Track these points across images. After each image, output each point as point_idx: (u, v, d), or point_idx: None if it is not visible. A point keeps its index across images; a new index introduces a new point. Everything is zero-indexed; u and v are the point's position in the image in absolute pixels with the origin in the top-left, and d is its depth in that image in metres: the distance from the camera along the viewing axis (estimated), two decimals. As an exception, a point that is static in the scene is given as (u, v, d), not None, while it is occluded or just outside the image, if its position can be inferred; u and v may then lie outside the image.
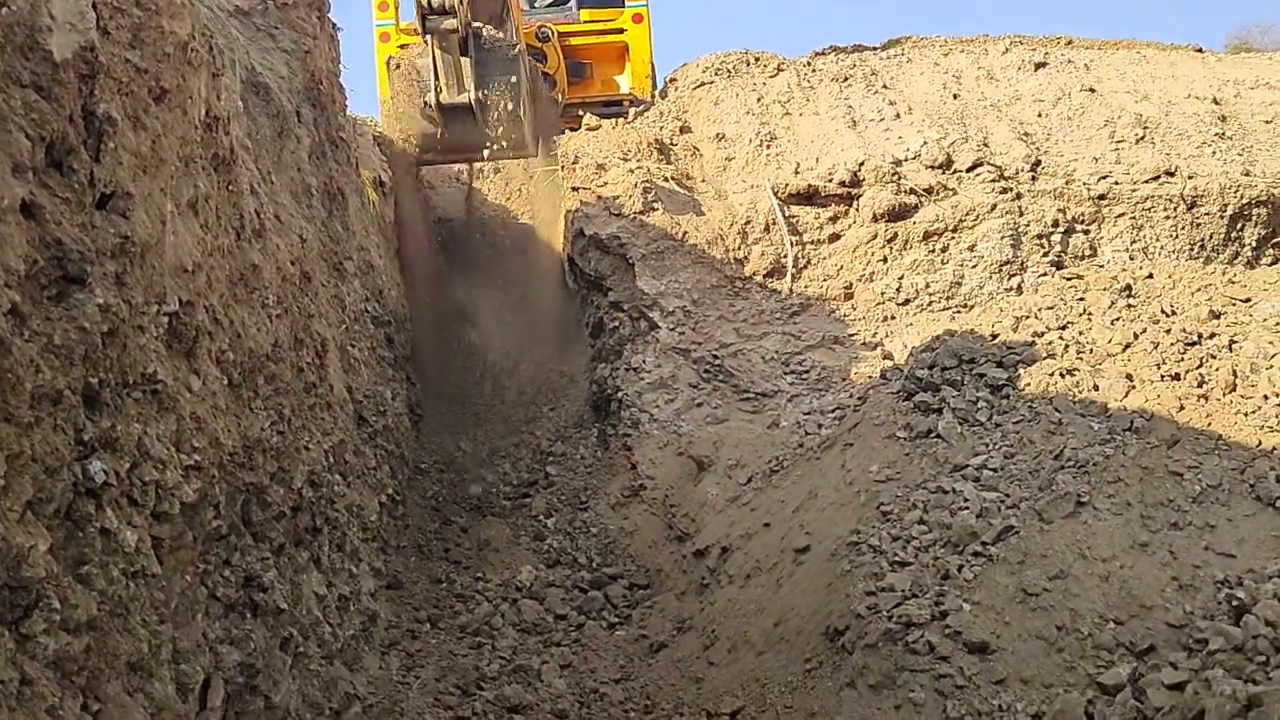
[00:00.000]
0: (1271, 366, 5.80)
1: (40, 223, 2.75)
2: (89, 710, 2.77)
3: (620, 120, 12.30)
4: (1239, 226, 10.89)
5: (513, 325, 10.75)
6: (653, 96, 13.30)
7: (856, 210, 10.53)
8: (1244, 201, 10.83)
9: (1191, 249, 10.74)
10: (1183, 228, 10.78)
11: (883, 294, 10.33)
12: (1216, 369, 5.88)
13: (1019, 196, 10.68)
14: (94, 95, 3.06)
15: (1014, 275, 10.45)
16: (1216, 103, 12.08)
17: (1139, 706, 4.12)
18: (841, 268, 10.40)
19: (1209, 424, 5.55)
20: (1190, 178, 10.85)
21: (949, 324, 8.79)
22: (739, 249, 10.36)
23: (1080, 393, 6.00)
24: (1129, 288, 6.88)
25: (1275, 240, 11.01)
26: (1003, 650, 4.75)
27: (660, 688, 5.99)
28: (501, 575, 7.56)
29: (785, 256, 10.35)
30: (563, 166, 11.43)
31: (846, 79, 12.37)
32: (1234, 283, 6.89)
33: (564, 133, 12.08)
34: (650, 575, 7.59)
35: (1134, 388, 5.92)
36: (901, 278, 10.35)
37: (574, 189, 10.97)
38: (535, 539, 8.18)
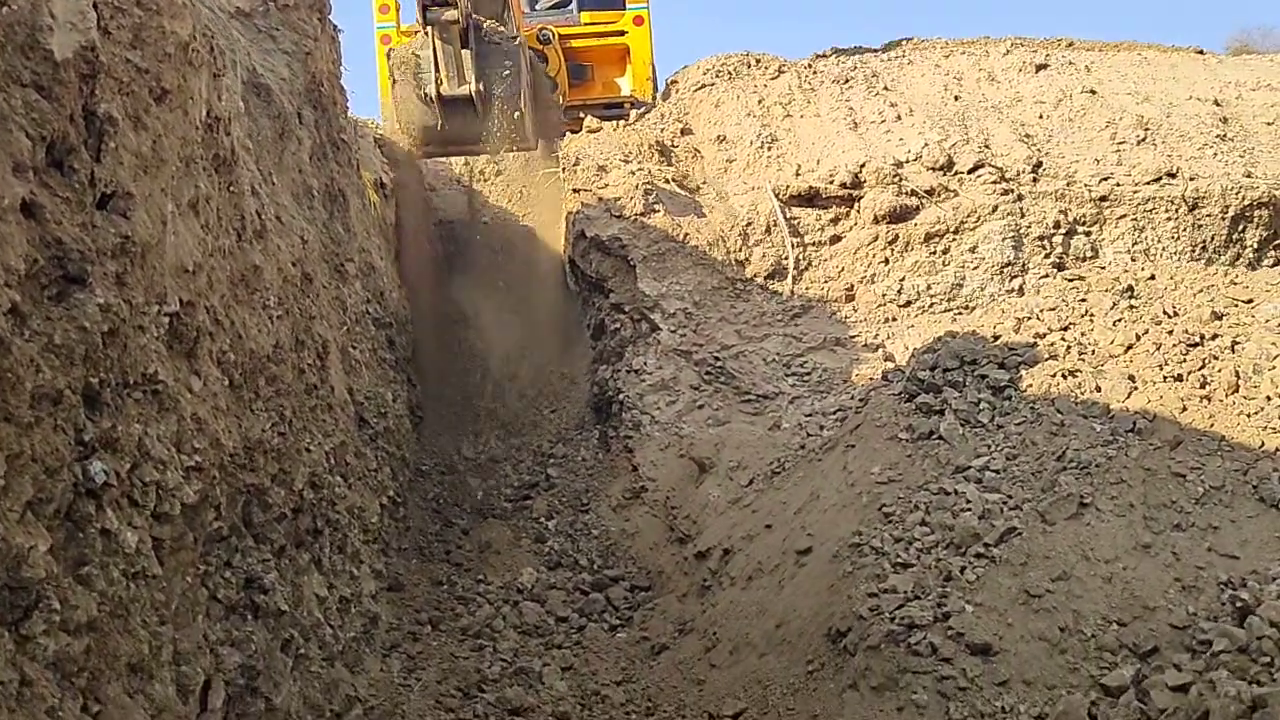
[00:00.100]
0: (1274, 368, 5.79)
1: (41, 222, 2.75)
2: (89, 711, 2.76)
3: (621, 122, 12.30)
4: (1240, 228, 10.88)
5: (514, 327, 10.74)
6: (654, 99, 13.29)
7: (858, 212, 10.53)
8: (1245, 203, 10.82)
9: (1193, 250, 10.73)
10: (1184, 229, 10.77)
11: (884, 296, 10.32)
12: (1219, 370, 5.87)
13: (1020, 198, 10.67)
14: (95, 95, 3.05)
15: (1015, 277, 10.44)
16: (1218, 104, 12.08)
17: (1142, 708, 4.11)
18: (843, 269, 10.40)
19: (1212, 425, 5.54)
20: (1192, 179, 10.84)
21: (950, 325, 8.79)
22: (740, 251, 10.36)
23: (1082, 394, 5.99)
24: (1131, 289, 6.87)
25: (1277, 242, 11.00)
26: (1005, 652, 4.74)
27: (662, 690, 5.98)
28: (503, 577, 7.55)
29: (786, 258, 10.34)
30: (564, 168, 11.43)
31: (847, 81, 12.37)
32: (1236, 284, 6.88)
33: (565, 135, 12.08)
34: (652, 577, 7.58)
35: (1136, 389, 5.91)
36: (903, 279, 10.35)
37: (575, 191, 10.97)
38: (536, 541, 8.17)
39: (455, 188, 12.83)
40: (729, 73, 12.64)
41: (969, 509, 5.52)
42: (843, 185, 10.53)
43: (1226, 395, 5.71)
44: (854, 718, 4.88)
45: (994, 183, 10.67)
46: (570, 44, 13.25)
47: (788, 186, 10.61)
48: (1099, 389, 5.99)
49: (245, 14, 6.69)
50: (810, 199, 10.59)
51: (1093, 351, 6.36)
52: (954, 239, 10.45)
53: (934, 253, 10.42)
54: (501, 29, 9.71)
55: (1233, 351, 6.02)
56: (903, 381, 6.95)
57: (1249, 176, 10.94)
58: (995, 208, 10.53)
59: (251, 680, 3.98)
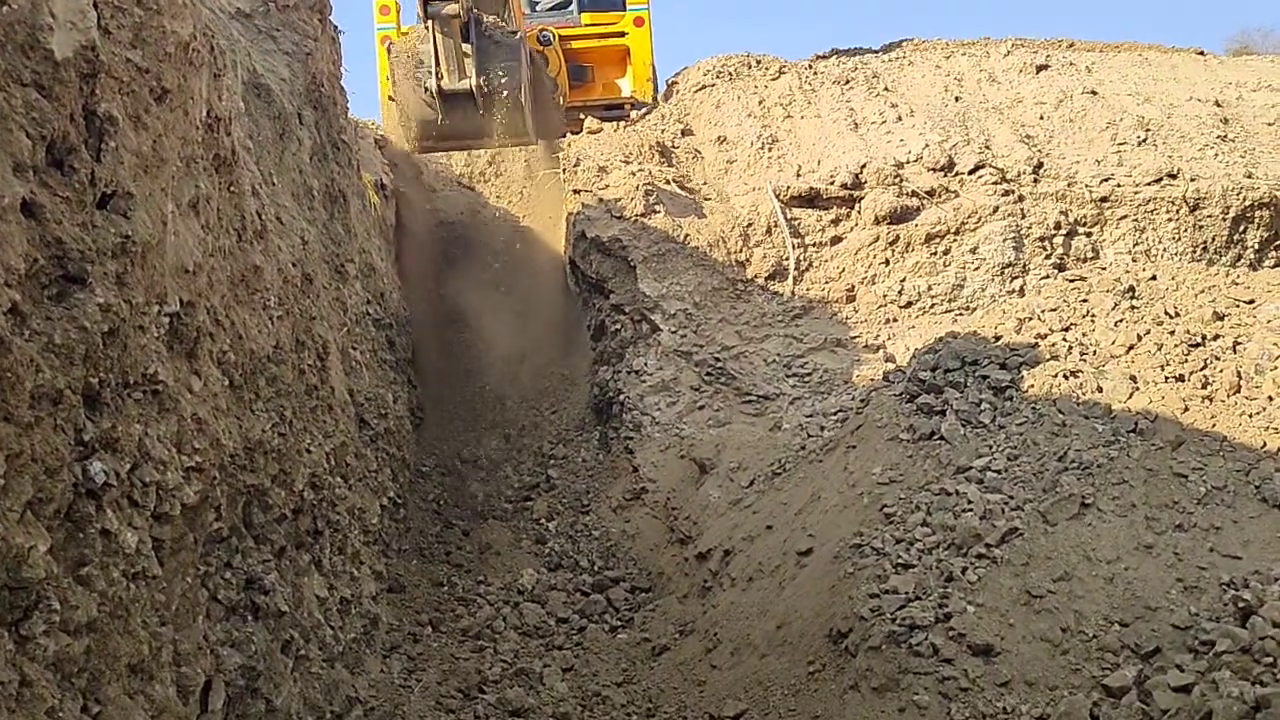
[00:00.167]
0: (1276, 368, 5.79)
1: (41, 222, 2.74)
2: (89, 712, 2.75)
3: (622, 123, 12.29)
4: (1241, 229, 10.88)
5: (514, 328, 10.73)
6: (654, 100, 13.29)
7: (858, 213, 10.52)
8: (1246, 204, 10.82)
9: (1194, 251, 10.73)
10: (1185, 230, 10.76)
11: (885, 296, 10.31)
12: (1221, 370, 5.86)
13: (1021, 199, 10.67)
14: (95, 94, 3.04)
15: (1016, 278, 10.44)
16: (1219, 105, 12.08)
17: (1144, 709, 4.10)
18: (843, 270, 10.39)
19: (1213, 425, 5.54)
20: (1192, 180, 10.84)
21: (951, 326, 8.79)
22: (741, 251, 10.35)
23: (1084, 394, 5.98)
24: (1132, 289, 6.86)
25: (1278, 242, 11.00)
26: (1007, 652, 4.73)
27: (662, 691, 5.97)
28: (503, 579, 7.54)
29: (787, 259, 10.34)
30: (564, 169, 11.42)
31: (848, 82, 12.37)
32: (1237, 284, 6.87)
33: (566, 136, 12.07)
34: (652, 578, 7.57)
35: (1138, 389, 5.90)
36: (903, 280, 10.34)
37: (575, 191, 10.97)
38: (537, 542, 8.17)
39: (456, 189, 12.83)
40: (729, 74, 12.64)
41: (970, 509, 5.51)
42: (843, 186, 10.53)
43: (1228, 396, 5.71)
44: (855, 719, 4.87)
45: (995, 183, 10.66)
46: (570, 45, 13.25)
47: (788, 187, 10.61)
48: (1100, 389, 5.99)
49: (246, 14, 6.69)
50: (811, 200, 10.58)
51: (1094, 352, 6.36)
52: (955, 240, 10.45)
53: (935, 253, 10.41)
54: (502, 24, 9.70)
55: (1234, 352, 6.02)
56: (904, 382, 6.94)
57: (1250, 177, 10.93)
58: (996, 208, 10.53)
59: (252, 681, 3.98)
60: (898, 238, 10.40)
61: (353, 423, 6.80)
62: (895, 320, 10.22)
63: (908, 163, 10.77)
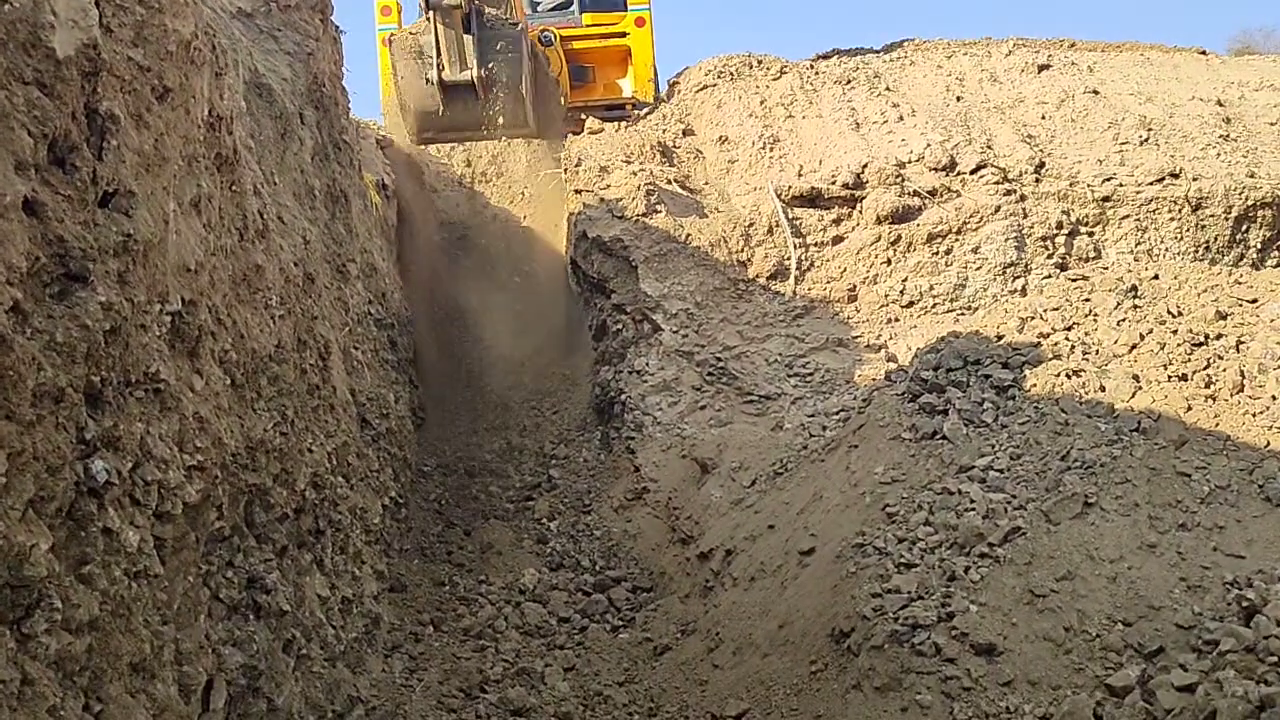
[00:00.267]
0: (1279, 367, 5.77)
1: (42, 220, 2.73)
2: (91, 711, 2.75)
3: (623, 123, 12.29)
4: (1244, 228, 10.87)
5: (515, 328, 10.73)
6: (655, 100, 13.29)
7: (860, 212, 10.52)
8: (1249, 203, 10.81)
9: (1196, 251, 10.72)
10: (1187, 230, 10.75)
11: (886, 296, 10.31)
12: (1224, 370, 5.85)
13: (1023, 199, 10.66)
14: (96, 93, 3.04)
15: (1018, 277, 10.42)
16: (1221, 105, 12.07)
17: (1148, 708, 4.08)
18: (845, 270, 10.38)
19: (1217, 424, 5.53)
20: (1195, 180, 10.83)
21: (953, 326, 8.77)
22: (742, 251, 10.35)
23: (1087, 393, 5.97)
24: (1135, 289, 6.85)
25: (1280, 242, 10.99)
26: (1010, 652, 4.72)
27: (664, 690, 5.97)
28: (504, 578, 7.53)
29: (788, 259, 10.33)
30: (566, 169, 11.42)
31: (849, 81, 12.37)
32: (1240, 284, 6.85)
33: (567, 135, 12.07)
34: (654, 578, 7.57)
35: (1141, 388, 5.89)
36: (905, 280, 10.33)
37: (577, 191, 10.97)
38: (538, 542, 8.16)
39: (457, 189, 12.82)
40: (731, 73, 12.64)
41: (973, 509, 5.50)
42: (845, 186, 10.52)
43: (1231, 395, 5.70)
44: (857, 718, 4.86)
45: (996, 183, 10.65)
46: (572, 45, 13.25)
47: (790, 187, 10.60)
48: (1103, 388, 5.98)
49: (247, 14, 6.69)
50: (812, 199, 10.58)
51: (1097, 351, 6.35)
52: (956, 239, 10.44)
53: (936, 253, 10.40)
54: (503, 16, 9.71)
55: (1237, 351, 6.01)
56: (906, 381, 6.93)
57: (1252, 177, 10.92)
58: (998, 208, 10.52)
59: (253, 680, 3.97)
60: (899, 237, 10.39)
61: (354, 422, 6.80)
62: (897, 320, 10.21)
63: (909, 162, 10.76)
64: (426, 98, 9.51)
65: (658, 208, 10.41)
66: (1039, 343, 6.56)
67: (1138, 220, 10.73)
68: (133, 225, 3.15)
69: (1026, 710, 4.46)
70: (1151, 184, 10.79)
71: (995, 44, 13.59)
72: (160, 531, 3.29)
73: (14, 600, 2.46)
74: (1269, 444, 5.35)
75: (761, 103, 11.97)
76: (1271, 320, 6.21)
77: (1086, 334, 6.54)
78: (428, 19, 9.27)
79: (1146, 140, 11.27)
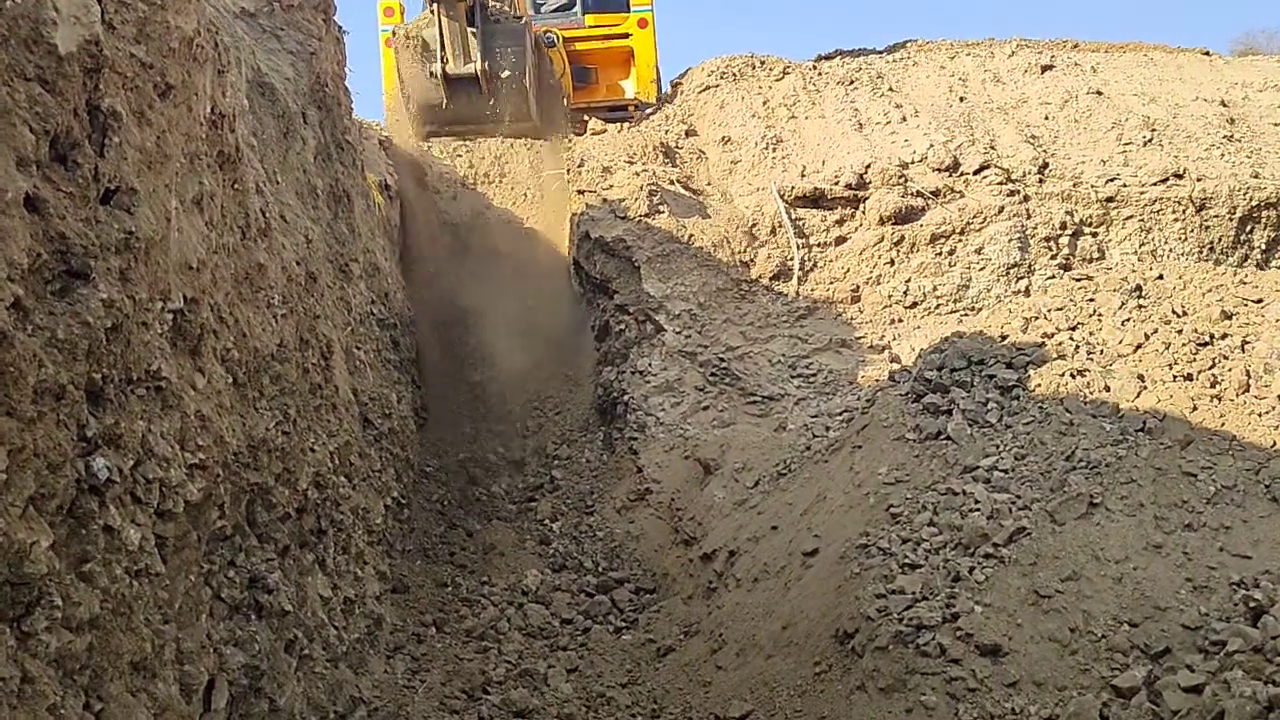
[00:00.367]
0: (1285, 367, 5.75)
1: (44, 216, 2.72)
2: (91, 710, 2.73)
3: (626, 124, 12.28)
4: (1248, 229, 10.84)
5: (518, 329, 10.70)
6: (658, 101, 13.27)
7: (863, 213, 10.50)
8: (1253, 204, 10.78)
9: (1200, 251, 10.69)
10: (1191, 230, 10.73)
11: (889, 297, 10.28)
12: (1229, 369, 5.83)
13: (1026, 199, 10.64)
14: (98, 89, 3.02)
15: (1021, 278, 10.40)
16: (1225, 105, 12.05)
17: (1154, 709, 4.06)
18: (848, 270, 10.36)
19: (1222, 424, 5.50)
20: (1199, 180, 10.80)
21: (956, 327, 8.74)
22: (745, 252, 10.33)
23: (1091, 393, 5.95)
24: (1139, 288, 6.83)
25: (1284, 242, 10.96)
26: (1015, 653, 4.70)
27: (667, 692, 5.94)
28: (507, 580, 7.52)
29: (792, 259, 10.31)
30: (568, 170, 11.41)
31: (852, 82, 12.35)
32: (1245, 283, 6.84)
33: (570, 135, 12.05)
34: (657, 579, 7.54)
35: (1146, 388, 5.87)
36: (908, 280, 10.31)
37: (580, 192, 10.95)
38: (541, 543, 8.14)
39: (460, 189, 12.80)
40: (734, 74, 12.62)
41: (977, 509, 5.48)
42: (848, 186, 10.50)
43: (1237, 394, 5.68)
44: (862, 719, 4.84)
45: (1000, 184, 10.63)
46: (574, 47, 13.23)
47: (793, 187, 10.59)
48: (1108, 388, 5.96)
49: (250, 14, 6.68)
50: (815, 200, 10.56)
51: (1101, 351, 6.33)
52: (960, 240, 10.41)
53: (940, 254, 10.38)
54: (507, 10, 9.70)
55: (1243, 351, 5.99)
56: (910, 382, 6.91)
57: (1256, 177, 10.90)
58: (1001, 209, 10.50)
59: (255, 680, 3.95)
60: (902, 238, 10.37)
61: (357, 422, 6.78)
62: (900, 321, 10.19)
63: (912, 163, 10.75)
64: (430, 91, 9.50)
65: (660, 208, 10.39)
66: (1043, 343, 6.54)
67: (1141, 221, 10.70)
68: (134, 222, 3.13)
69: (1032, 711, 4.44)
70: (1155, 184, 10.77)
71: (998, 44, 13.57)
72: (161, 530, 3.28)
73: (14, 598, 2.45)
74: (1275, 444, 5.33)
75: (764, 103, 11.95)
76: (1277, 320, 6.19)
77: (1091, 334, 6.52)
78: (431, 12, 9.26)
79: (1150, 141, 11.24)
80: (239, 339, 4.25)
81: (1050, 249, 10.52)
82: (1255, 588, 4.49)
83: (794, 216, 10.48)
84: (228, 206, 4.29)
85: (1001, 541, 5.21)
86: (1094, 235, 10.68)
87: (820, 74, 12.64)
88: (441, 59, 9.24)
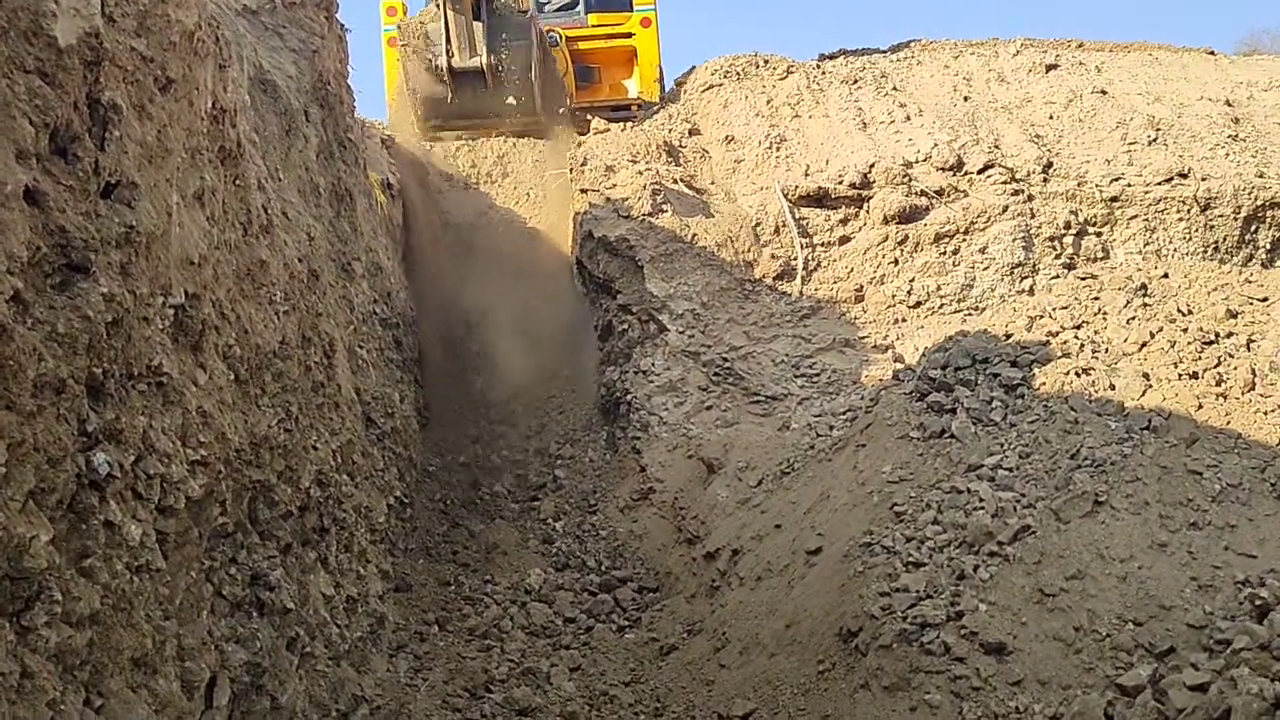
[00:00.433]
0: (1291, 365, 5.72)
1: (44, 210, 2.71)
2: (91, 705, 2.72)
3: (629, 123, 12.26)
4: (1253, 228, 10.81)
5: (521, 328, 10.69)
6: (661, 100, 13.26)
7: (867, 212, 10.48)
8: (1258, 203, 10.76)
9: (1205, 251, 10.66)
10: (1196, 230, 10.70)
11: (893, 296, 10.26)
12: (1235, 368, 5.80)
13: (1030, 198, 10.62)
14: (99, 83, 3.01)
15: (1026, 277, 10.38)
16: (1229, 105, 12.01)
17: (1159, 708, 4.03)
18: (852, 270, 10.34)
19: (1228, 423, 5.48)
20: (1203, 180, 10.78)
21: (960, 326, 8.71)
22: (749, 251, 10.31)
23: (1096, 391, 5.93)
24: (1144, 287, 6.80)
25: (1290, 242, 10.92)
26: (1019, 651, 4.68)
27: (671, 690, 5.93)
28: (510, 578, 7.50)
29: (795, 259, 10.30)
30: (571, 169, 11.39)
31: (856, 81, 12.33)
32: (1251, 282, 6.81)
33: (573, 122, 12.03)
34: (660, 578, 7.53)
35: (1151, 386, 5.84)
36: (912, 280, 10.29)
37: (582, 191, 10.93)
38: (544, 542, 8.13)
39: (462, 189, 12.78)
40: (737, 73, 12.61)
41: (982, 507, 5.46)
42: (852, 185, 10.48)
43: (1243, 393, 5.65)
44: (866, 718, 4.82)
45: (1004, 183, 10.61)
46: (577, 46, 13.23)
47: (796, 187, 10.57)
48: (1113, 387, 5.93)
49: (252, 11, 6.67)
50: (819, 199, 10.54)
51: (1106, 349, 6.30)
52: (964, 239, 10.39)
53: (944, 253, 10.36)
54: (513, 4, 9.69)
55: (1248, 349, 5.96)
56: (914, 380, 6.89)
57: (1261, 177, 10.87)
58: (1005, 208, 10.48)
59: (257, 678, 3.94)
60: (906, 237, 10.35)
61: (359, 421, 6.76)
62: (904, 320, 10.17)
63: (916, 162, 10.73)
64: (435, 85, 9.48)
65: (664, 207, 10.38)
66: (1048, 341, 6.51)
67: (1146, 220, 10.68)
68: (135, 216, 3.12)
69: (1036, 710, 4.42)
70: (1160, 184, 10.75)
71: (1002, 44, 13.54)
72: (163, 526, 3.26)
73: (14, 592, 2.44)
74: (1281, 442, 5.30)
75: (768, 102, 11.94)
76: (1283, 318, 6.16)
77: (1096, 332, 6.49)
78: (437, 6, 9.25)
79: (1155, 140, 11.22)
80: (241, 335, 4.24)
81: (1054, 248, 10.49)
82: (1261, 586, 4.46)
83: (798, 216, 10.46)
84: (229, 202, 4.28)
85: (1006, 540, 5.19)
86: (1098, 235, 10.65)
87: (824, 73, 12.62)
88: (447, 52, 9.22)
